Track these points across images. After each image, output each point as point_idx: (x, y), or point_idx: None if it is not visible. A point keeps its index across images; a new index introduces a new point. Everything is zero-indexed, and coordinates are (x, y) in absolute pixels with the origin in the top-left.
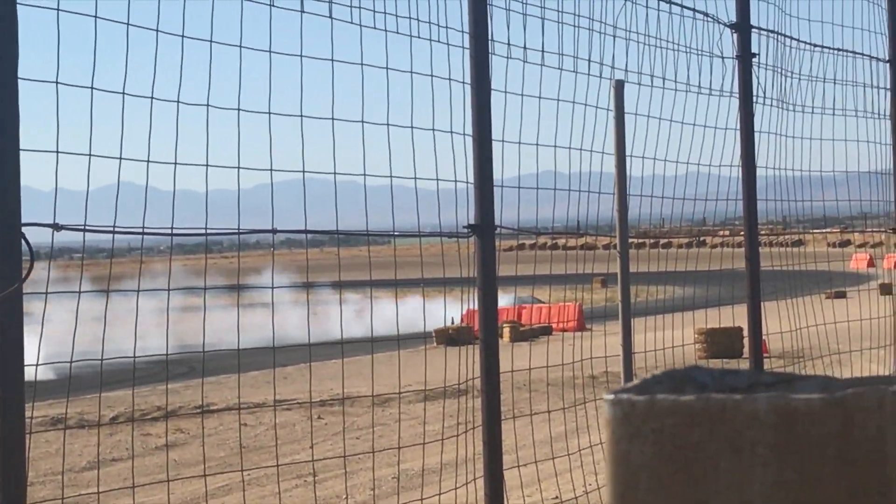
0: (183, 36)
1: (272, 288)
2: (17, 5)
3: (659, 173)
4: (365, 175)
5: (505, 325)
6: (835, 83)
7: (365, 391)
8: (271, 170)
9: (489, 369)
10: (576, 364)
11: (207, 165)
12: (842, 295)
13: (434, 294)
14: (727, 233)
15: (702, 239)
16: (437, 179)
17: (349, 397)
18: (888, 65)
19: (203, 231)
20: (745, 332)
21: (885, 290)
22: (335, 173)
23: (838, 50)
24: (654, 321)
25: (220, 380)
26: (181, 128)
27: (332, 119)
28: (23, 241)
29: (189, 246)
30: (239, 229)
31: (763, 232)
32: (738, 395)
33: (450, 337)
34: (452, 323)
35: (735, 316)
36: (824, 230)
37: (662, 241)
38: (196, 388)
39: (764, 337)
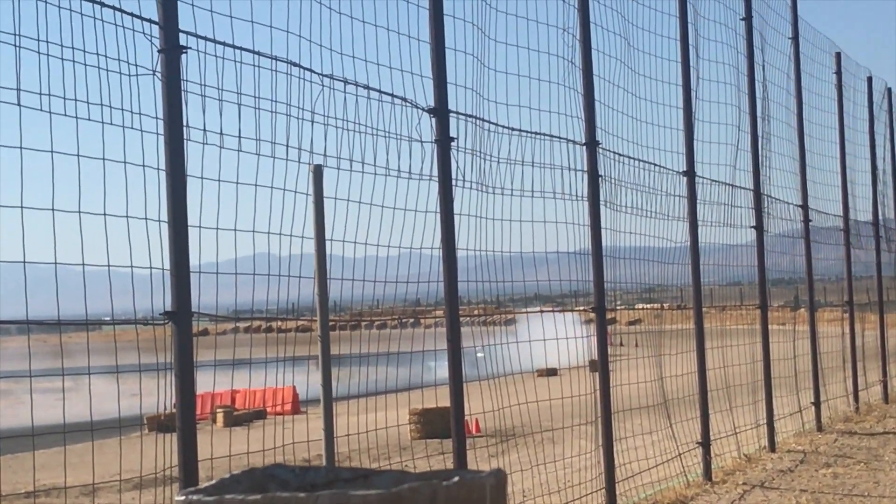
0: None
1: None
2: None
3: (371, 255)
4: (56, 263)
5: (218, 409)
6: (533, 166)
7: (72, 481)
8: None
9: (187, 457)
10: (283, 449)
11: None
12: (553, 372)
13: (145, 380)
14: (441, 313)
15: (417, 319)
16: (132, 266)
17: (55, 487)
18: (584, 147)
19: None
20: None
21: (594, 366)
22: (24, 262)
23: (536, 133)
24: (365, 402)
25: None
26: None
27: (21, 207)
28: None
29: None
30: None
31: (476, 312)
32: (302, 493)
33: (161, 423)
34: (165, 409)
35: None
36: (536, 309)
37: (377, 322)
38: None
39: (475, 416)
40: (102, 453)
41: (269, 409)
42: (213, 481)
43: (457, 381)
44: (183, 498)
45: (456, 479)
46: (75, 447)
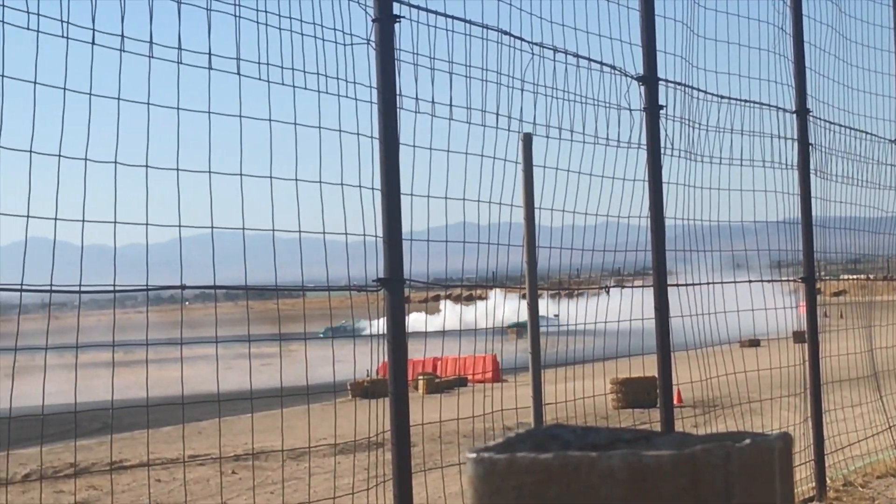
0: (91, 94)
1: (181, 343)
2: None
3: (575, 224)
4: (273, 230)
5: (420, 377)
6: (742, 134)
7: (279, 445)
8: (179, 226)
9: (399, 422)
10: (489, 416)
11: (115, 222)
12: (756, 343)
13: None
14: (641, 282)
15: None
16: (346, 234)
17: (262, 451)
18: (795, 115)
19: (111, 288)
20: None
21: (799, 338)
22: (244, 228)
23: (745, 101)
24: (566, 371)
25: (135, 435)
26: (90, 184)
27: (241, 175)
28: None
29: (102, 301)
30: (147, 285)
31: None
32: (594, 452)
33: (364, 390)
34: (367, 375)
35: (650, 366)
36: (745, 280)
37: (576, 291)
38: (111, 444)
39: (677, 386)
40: (305, 418)
41: (470, 377)
42: (500, 440)
43: (664, 351)
44: (474, 455)
45: (748, 441)
46: (277, 412)
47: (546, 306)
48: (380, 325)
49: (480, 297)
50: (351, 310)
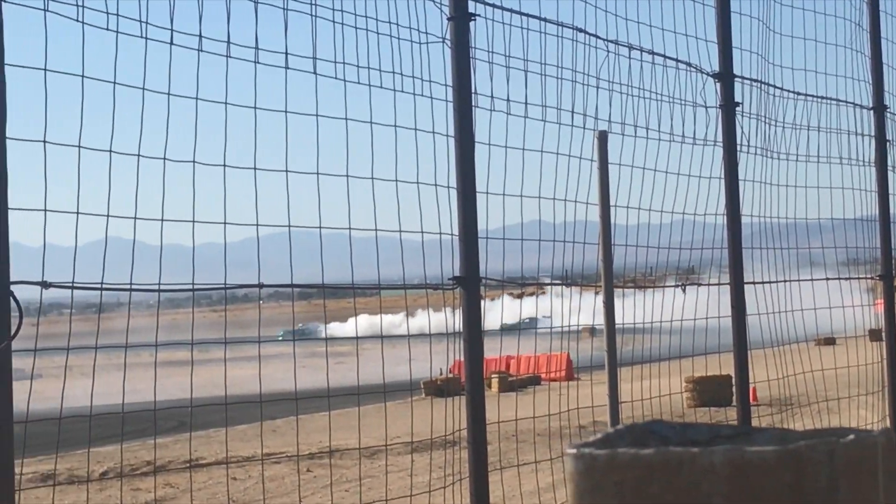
0: (169, 94)
1: (258, 342)
2: (3, 66)
3: (645, 222)
4: (350, 228)
5: (493, 375)
6: (819, 131)
7: (353, 443)
8: (257, 224)
9: (475, 420)
10: (564, 414)
11: (194, 221)
12: (831, 341)
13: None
14: (716, 280)
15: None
16: (422, 232)
17: (337, 450)
18: (872, 112)
19: (190, 286)
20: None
21: (875, 335)
22: (321, 227)
23: (822, 98)
24: (642, 370)
25: (210, 433)
26: (168, 183)
27: (317, 174)
28: (11, 299)
29: (179, 300)
30: (226, 284)
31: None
32: (695, 448)
33: (438, 388)
34: (441, 374)
35: (724, 364)
36: (821, 278)
37: (652, 289)
38: (186, 443)
39: (753, 385)
40: (379, 416)
41: (543, 376)
42: (599, 436)
43: (741, 349)
44: (574, 451)
45: (851, 437)
46: (351, 411)
47: (544, 306)
48: (452, 322)
49: (533, 294)
50: (427, 308)
